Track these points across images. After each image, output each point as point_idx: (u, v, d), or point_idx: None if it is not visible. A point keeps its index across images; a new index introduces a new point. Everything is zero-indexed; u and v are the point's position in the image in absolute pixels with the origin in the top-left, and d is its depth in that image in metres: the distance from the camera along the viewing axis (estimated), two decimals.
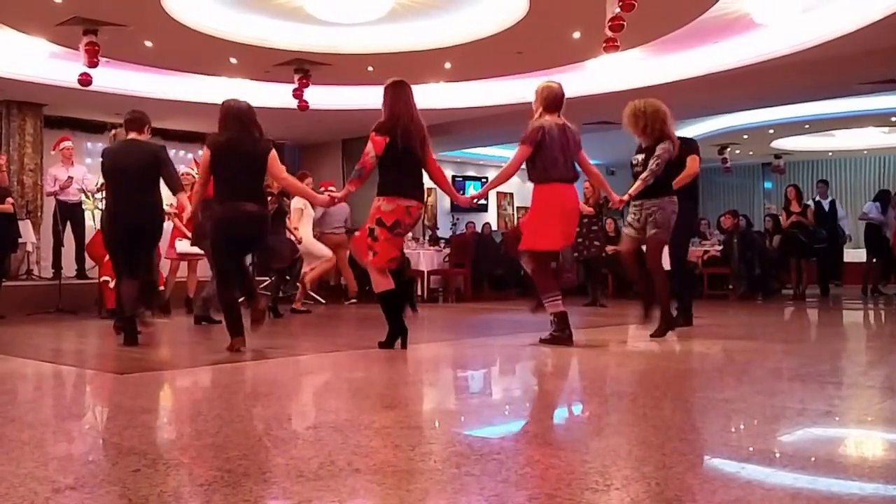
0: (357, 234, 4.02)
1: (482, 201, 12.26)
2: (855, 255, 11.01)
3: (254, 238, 3.94)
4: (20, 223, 7.66)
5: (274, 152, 3.92)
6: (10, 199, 7.40)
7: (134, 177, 4.15)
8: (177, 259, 6.74)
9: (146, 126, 4.41)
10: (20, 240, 7.68)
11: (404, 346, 3.78)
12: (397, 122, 3.66)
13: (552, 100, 3.89)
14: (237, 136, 3.80)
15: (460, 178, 13.43)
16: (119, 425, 2.23)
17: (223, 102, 3.97)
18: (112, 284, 6.34)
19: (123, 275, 4.25)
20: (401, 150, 3.62)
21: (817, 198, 9.65)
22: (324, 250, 7.13)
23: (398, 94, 3.77)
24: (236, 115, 3.85)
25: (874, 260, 9.21)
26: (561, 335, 3.87)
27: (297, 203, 6.79)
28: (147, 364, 3.57)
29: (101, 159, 4.38)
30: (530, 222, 3.97)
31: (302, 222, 6.91)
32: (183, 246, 6.49)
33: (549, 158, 3.79)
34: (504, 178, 4.06)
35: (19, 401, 2.74)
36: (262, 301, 4.07)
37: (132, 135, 4.33)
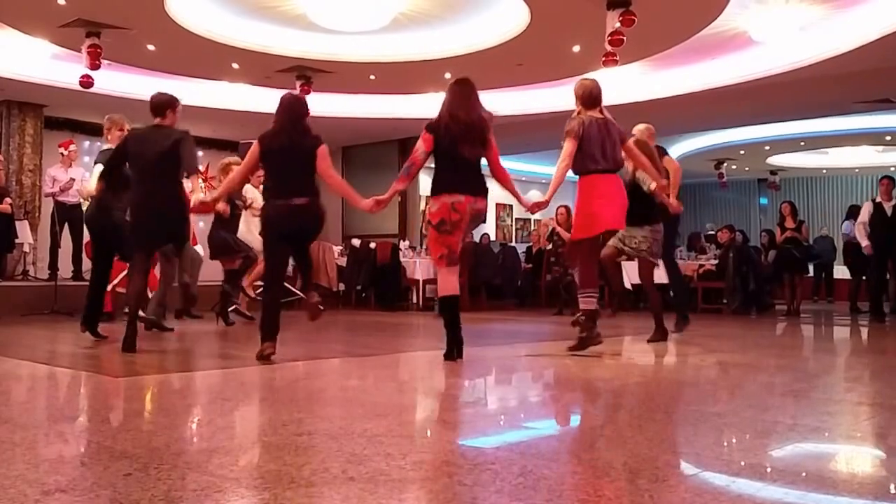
0: None
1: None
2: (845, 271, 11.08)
3: (303, 231, 3.82)
4: (17, 223, 7.66)
5: (323, 149, 3.76)
6: (7, 200, 7.40)
7: (153, 165, 4.02)
8: None
9: (168, 109, 4.18)
10: (17, 240, 7.68)
11: (459, 355, 3.71)
12: (440, 121, 3.68)
13: (587, 96, 4.05)
14: (287, 131, 3.75)
15: None
16: (112, 428, 2.23)
17: (281, 97, 3.90)
18: (109, 286, 6.33)
19: (136, 270, 4.12)
20: (446, 148, 3.62)
21: (878, 198, 7.62)
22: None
23: (451, 93, 3.77)
24: (288, 110, 3.80)
25: (863, 278, 9.23)
26: (589, 335, 3.88)
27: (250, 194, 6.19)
28: (141, 368, 3.57)
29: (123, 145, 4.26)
30: (575, 215, 4.09)
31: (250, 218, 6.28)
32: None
33: (587, 152, 3.92)
34: (561, 175, 4.05)
35: (12, 402, 2.73)
36: (314, 295, 3.98)
37: (156, 120, 4.17)
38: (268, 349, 3.62)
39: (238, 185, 3.90)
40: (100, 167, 4.60)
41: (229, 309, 6.09)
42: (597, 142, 3.93)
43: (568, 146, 3.94)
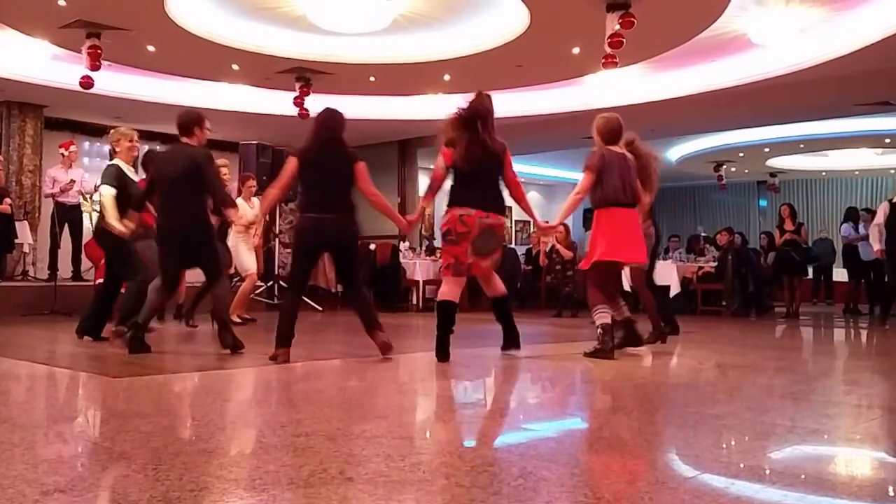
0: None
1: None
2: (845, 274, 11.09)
3: (335, 246, 3.80)
4: (17, 224, 7.66)
5: (362, 166, 3.79)
6: (7, 200, 7.40)
7: (175, 184, 3.99)
8: None
9: (195, 127, 4.10)
10: (17, 240, 7.68)
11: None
12: (456, 154, 3.76)
13: (609, 132, 4.13)
14: (323, 146, 3.78)
15: None
16: (111, 429, 2.23)
17: (319, 112, 3.93)
18: None
19: (167, 286, 4.09)
20: (462, 163, 3.72)
21: (894, 198, 7.55)
22: (250, 265, 6.28)
23: (465, 123, 3.83)
24: (324, 125, 3.84)
25: (862, 281, 9.22)
26: (603, 349, 3.95)
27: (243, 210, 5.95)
28: (140, 368, 3.57)
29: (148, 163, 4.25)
30: (590, 244, 4.16)
31: (236, 235, 6.15)
32: None
33: (610, 185, 4.03)
34: (574, 205, 4.18)
35: (12, 402, 2.73)
36: (380, 335, 3.82)
37: (183, 139, 4.12)
38: (281, 356, 3.67)
39: (278, 201, 3.96)
40: (110, 190, 4.38)
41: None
42: (618, 176, 4.05)
43: (586, 180, 4.07)
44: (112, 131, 4.78)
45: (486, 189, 3.77)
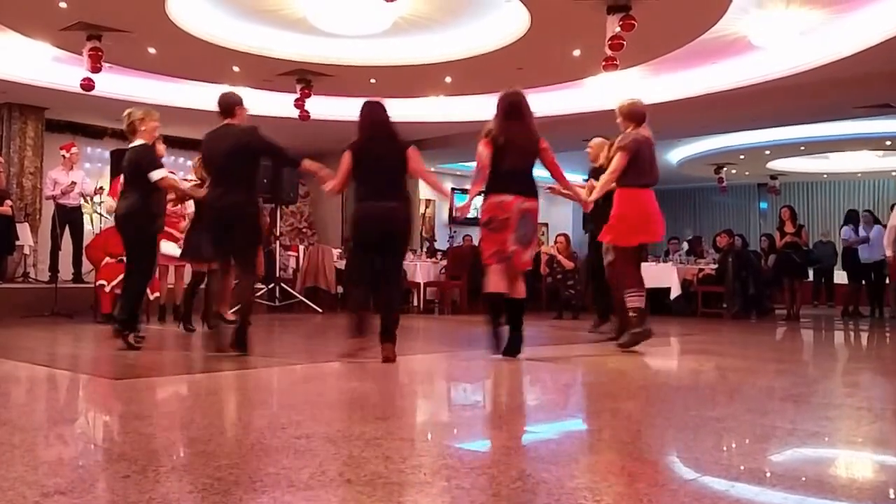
0: None
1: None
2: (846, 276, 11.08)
3: (391, 235, 3.82)
4: (18, 226, 7.66)
5: (414, 150, 3.90)
6: (8, 202, 7.41)
7: (223, 165, 3.93)
8: (163, 264, 5.87)
9: (237, 107, 4.08)
10: (17, 242, 7.68)
11: (511, 353, 3.89)
12: (496, 139, 3.90)
13: (637, 114, 4.38)
14: (375, 137, 3.84)
15: (459, 191, 13.50)
16: (111, 431, 2.23)
17: (362, 105, 3.96)
18: (108, 289, 6.33)
19: (217, 273, 4.12)
20: (500, 156, 3.86)
21: None
22: None
23: (506, 114, 3.96)
24: (371, 118, 3.89)
25: (864, 283, 9.21)
26: (640, 332, 4.17)
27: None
28: (141, 370, 3.57)
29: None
30: (620, 221, 4.29)
31: None
32: (168, 248, 5.79)
33: (640, 167, 4.23)
34: (608, 184, 4.33)
35: (12, 404, 2.73)
36: (390, 348, 3.75)
37: (226, 120, 4.07)
38: (356, 346, 3.71)
39: (340, 189, 4.05)
40: (164, 172, 4.23)
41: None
42: (647, 158, 4.27)
43: (621, 160, 4.22)
44: (133, 109, 4.43)
45: (521, 175, 3.89)
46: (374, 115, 3.93)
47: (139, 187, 4.21)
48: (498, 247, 3.86)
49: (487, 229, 3.91)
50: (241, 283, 4.06)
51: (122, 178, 4.54)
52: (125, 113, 4.38)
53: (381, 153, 3.83)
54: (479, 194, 3.97)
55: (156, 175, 4.19)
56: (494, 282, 3.88)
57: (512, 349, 4.00)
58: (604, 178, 4.36)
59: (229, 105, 4.11)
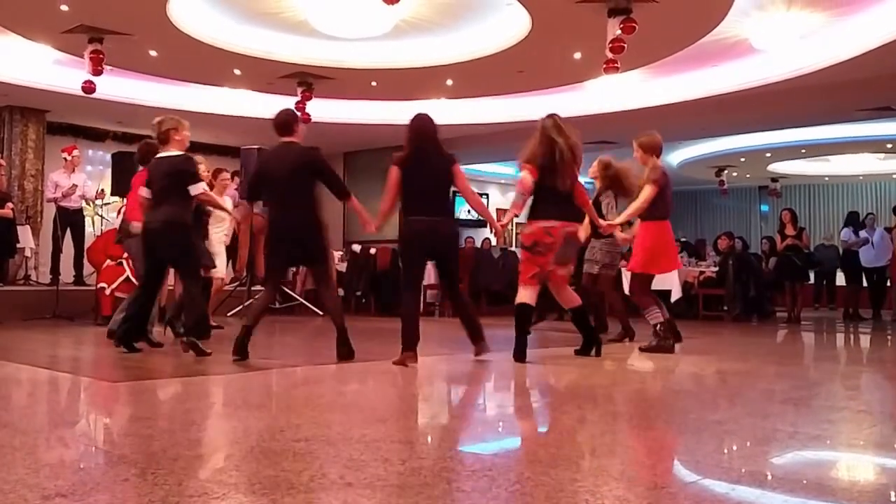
0: None
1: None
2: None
3: (441, 250, 3.93)
4: (19, 228, 7.67)
5: (459, 167, 3.95)
6: (9, 205, 7.42)
7: (283, 185, 3.92)
8: None
9: (295, 124, 4.05)
10: (18, 245, 7.69)
11: (520, 358, 3.97)
12: (543, 160, 3.99)
13: (657, 146, 4.59)
14: (423, 152, 3.88)
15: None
16: (111, 433, 2.23)
17: (411, 119, 3.99)
18: (108, 291, 6.34)
19: (269, 290, 4.13)
20: (545, 181, 3.95)
21: None
22: (219, 266, 5.80)
23: (554, 134, 4.04)
24: (420, 132, 3.93)
25: (864, 285, 9.20)
26: (664, 343, 4.41)
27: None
28: (141, 373, 3.57)
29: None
30: (645, 252, 4.50)
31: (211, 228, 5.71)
32: None
33: (666, 199, 4.45)
34: (635, 213, 4.50)
35: (13, 406, 2.74)
36: (484, 347, 4.03)
37: (284, 139, 4.03)
38: (409, 359, 3.77)
39: (392, 213, 4.06)
40: (203, 184, 4.26)
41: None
42: (670, 190, 4.51)
43: (651, 192, 4.39)
44: (165, 118, 4.29)
45: (563, 199, 3.99)
46: (423, 128, 3.96)
47: (182, 197, 4.14)
48: (539, 269, 4.00)
49: (531, 253, 4.01)
50: (325, 293, 4.22)
51: (149, 186, 4.26)
52: (156, 121, 4.29)
53: (429, 169, 3.88)
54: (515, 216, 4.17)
55: (197, 189, 4.21)
56: (524, 294, 4.04)
57: (588, 349, 4.18)
58: (633, 206, 4.48)
59: (287, 123, 4.07)
